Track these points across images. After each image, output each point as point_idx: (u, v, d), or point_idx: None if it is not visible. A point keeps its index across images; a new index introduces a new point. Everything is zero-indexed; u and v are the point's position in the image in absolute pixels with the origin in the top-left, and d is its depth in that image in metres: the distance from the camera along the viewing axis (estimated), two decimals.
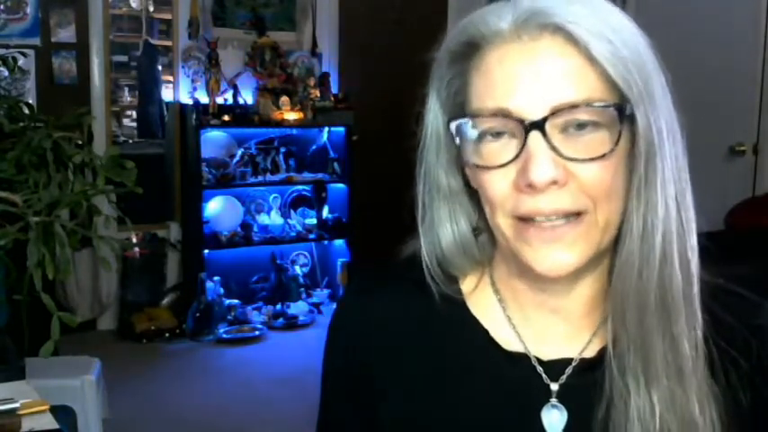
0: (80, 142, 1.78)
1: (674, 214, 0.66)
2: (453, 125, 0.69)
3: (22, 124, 1.88)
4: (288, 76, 4.76)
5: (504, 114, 0.65)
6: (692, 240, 0.68)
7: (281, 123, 4.65)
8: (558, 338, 0.74)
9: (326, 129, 4.95)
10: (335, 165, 4.91)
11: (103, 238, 1.65)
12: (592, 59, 0.63)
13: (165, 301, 4.56)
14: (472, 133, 0.68)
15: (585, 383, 0.70)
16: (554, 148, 0.64)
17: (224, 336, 4.34)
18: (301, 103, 4.72)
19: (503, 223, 0.68)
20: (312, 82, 4.86)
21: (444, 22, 4.36)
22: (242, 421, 3.36)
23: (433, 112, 0.73)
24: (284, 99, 4.64)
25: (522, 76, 0.64)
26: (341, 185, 4.95)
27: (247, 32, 4.75)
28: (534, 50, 0.65)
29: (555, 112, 0.63)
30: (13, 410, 1.51)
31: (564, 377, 0.73)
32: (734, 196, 3.73)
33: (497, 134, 0.66)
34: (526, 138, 0.64)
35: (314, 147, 5.00)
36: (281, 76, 4.73)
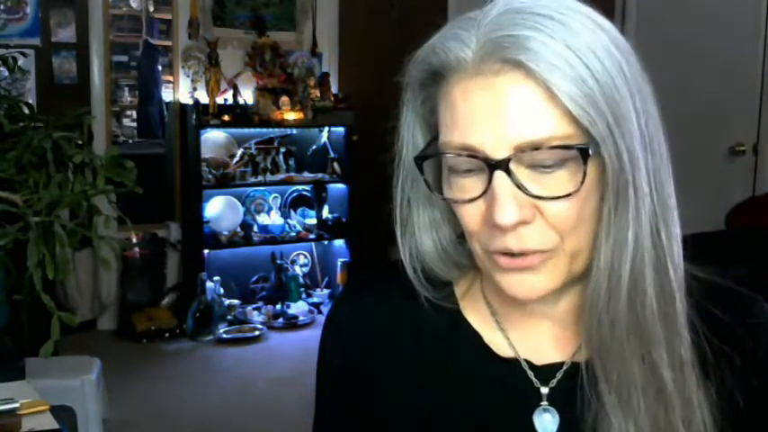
0: (80, 142, 1.78)
1: (649, 240, 0.65)
2: (419, 162, 0.69)
3: (22, 124, 1.88)
4: (288, 76, 4.76)
5: (468, 151, 0.64)
6: (674, 256, 0.67)
7: (281, 123, 4.65)
8: (549, 342, 0.74)
9: (326, 129, 4.95)
10: (335, 165, 4.91)
11: (103, 238, 1.65)
12: (554, 95, 0.61)
13: (165, 301, 4.56)
14: (444, 165, 0.68)
15: (576, 387, 0.70)
16: (520, 186, 0.63)
17: (224, 336, 4.34)
18: (301, 103, 4.72)
19: (477, 250, 0.69)
20: (312, 82, 4.86)
21: (444, 23, 4.34)
22: (242, 421, 3.36)
23: (409, 126, 0.72)
24: (284, 99, 4.65)
25: (484, 113, 0.63)
26: (341, 185, 4.95)
27: (247, 32, 4.76)
28: (496, 86, 0.63)
29: (518, 152, 0.62)
30: (13, 410, 1.51)
31: (555, 381, 0.73)
32: (734, 196, 3.73)
33: (467, 169, 0.66)
34: (491, 176, 0.63)
35: (314, 147, 5.00)
36: (281, 76, 4.73)
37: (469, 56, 0.64)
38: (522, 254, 0.65)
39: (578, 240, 0.66)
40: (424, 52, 0.68)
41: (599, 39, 0.63)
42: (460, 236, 0.74)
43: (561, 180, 0.63)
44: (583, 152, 0.62)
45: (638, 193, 0.64)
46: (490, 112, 0.63)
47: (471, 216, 0.67)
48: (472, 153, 0.64)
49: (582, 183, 0.63)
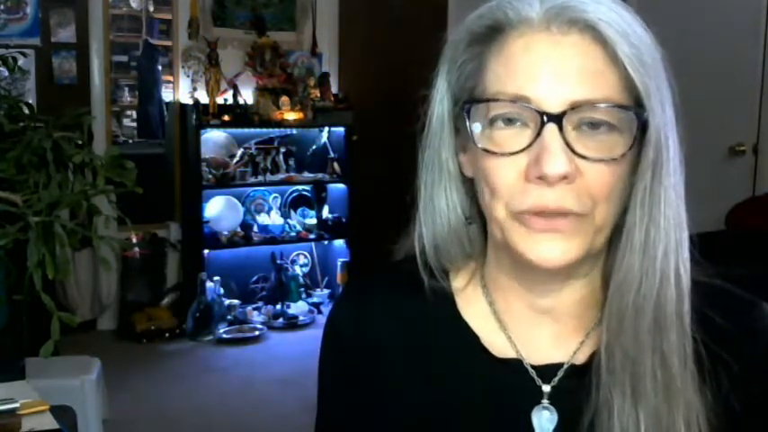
0: (80, 142, 1.78)
1: (673, 229, 0.66)
2: (467, 107, 0.69)
3: (22, 124, 1.88)
4: (288, 76, 4.76)
5: (522, 102, 0.65)
6: (686, 256, 0.68)
7: (281, 123, 4.65)
8: (548, 340, 0.74)
9: (326, 129, 4.95)
10: (335, 165, 4.91)
11: (103, 238, 1.65)
12: (615, 62, 0.64)
13: (165, 301, 4.56)
14: (485, 118, 0.67)
15: (576, 387, 0.70)
16: (568, 144, 0.64)
17: (224, 336, 4.34)
18: (301, 103, 4.72)
19: (501, 212, 0.68)
20: (312, 82, 4.86)
21: (444, 22, 4.36)
22: (242, 421, 3.36)
23: (441, 95, 0.73)
24: (284, 99, 4.65)
25: (545, 67, 0.65)
26: (341, 185, 4.95)
27: (247, 32, 4.76)
28: (561, 44, 0.65)
29: (574, 108, 0.64)
30: (13, 410, 1.51)
31: (555, 380, 0.73)
32: (734, 196, 3.72)
33: (509, 121, 0.66)
34: (541, 129, 0.64)
35: (314, 147, 5.00)
36: (281, 76, 4.73)
37: (536, 14, 0.66)
38: (556, 214, 0.65)
39: (607, 212, 0.66)
40: (485, 8, 0.69)
41: (644, 30, 0.66)
42: (466, 218, 0.75)
43: (607, 145, 0.65)
44: (638, 116, 0.64)
45: (669, 180, 0.66)
46: (552, 66, 0.64)
47: (505, 172, 0.66)
48: (526, 103, 0.65)
49: (630, 147, 0.65)
